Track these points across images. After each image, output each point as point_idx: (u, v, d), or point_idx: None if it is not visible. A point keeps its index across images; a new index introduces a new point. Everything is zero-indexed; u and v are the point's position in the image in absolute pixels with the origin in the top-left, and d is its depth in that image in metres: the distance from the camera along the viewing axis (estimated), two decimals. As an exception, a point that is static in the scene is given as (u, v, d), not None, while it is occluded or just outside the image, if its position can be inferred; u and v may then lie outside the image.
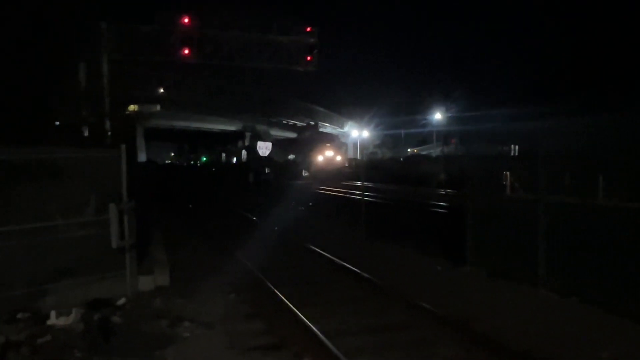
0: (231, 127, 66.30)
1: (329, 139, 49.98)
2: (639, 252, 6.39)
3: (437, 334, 6.31)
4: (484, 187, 9.33)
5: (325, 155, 45.08)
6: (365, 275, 9.11)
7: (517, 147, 9.36)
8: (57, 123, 17.56)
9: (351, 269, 9.71)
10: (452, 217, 12.94)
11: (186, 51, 24.64)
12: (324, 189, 29.98)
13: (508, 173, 9.24)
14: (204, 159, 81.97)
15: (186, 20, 24.53)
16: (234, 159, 60.96)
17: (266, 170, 47.50)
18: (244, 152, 59.49)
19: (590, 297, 7.01)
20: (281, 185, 34.38)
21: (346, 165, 48.84)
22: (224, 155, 68.96)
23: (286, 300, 7.57)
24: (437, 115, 48.88)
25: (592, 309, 6.87)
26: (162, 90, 52.82)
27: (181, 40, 24.75)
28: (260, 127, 63.60)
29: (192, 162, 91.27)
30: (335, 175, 38.87)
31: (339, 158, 44.67)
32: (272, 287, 8.31)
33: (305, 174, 44.14)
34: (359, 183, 26.71)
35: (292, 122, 66.75)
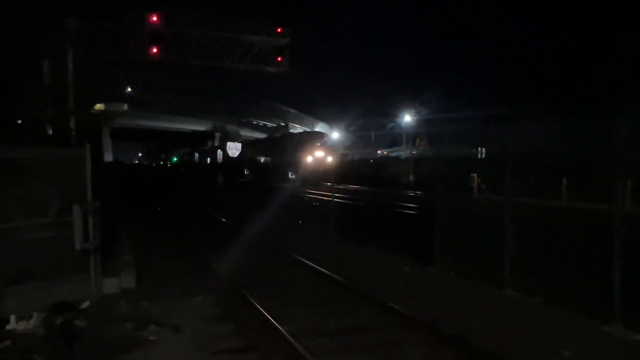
0: (200, 127, 65.75)
1: (318, 137, 44.74)
2: (598, 253, 6.56)
3: (405, 335, 6.36)
4: (452, 189, 9.46)
5: (315, 156, 40.40)
6: (335, 276, 9.13)
7: (483, 149, 9.54)
8: (20, 121, 17.07)
9: (320, 270, 9.71)
10: (421, 218, 13.09)
11: (154, 50, 24.21)
12: (309, 192, 28.25)
13: (475, 175, 9.40)
14: (175, 159, 79.98)
15: (155, 18, 24.11)
16: (208, 159, 58.23)
17: (245, 172, 45.28)
18: (219, 152, 56.91)
19: (554, 296, 7.17)
20: (261, 188, 32.58)
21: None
22: (197, 155, 65.68)
23: (255, 303, 7.52)
24: (407, 117, 49.33)
25: (556, 309, 7.04)
26: (129, 89, 51.99)
27: (149, 39, 24.30)
28: (231, 128, 63.24)
29: (161, 163, 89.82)
30: (324, 178, 35.80)
31: (330, 159, 39.96)
32: (241, 289, 8.25)
33: (291, 176, 40.73)
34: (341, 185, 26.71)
35: (262, 122, 66.55)
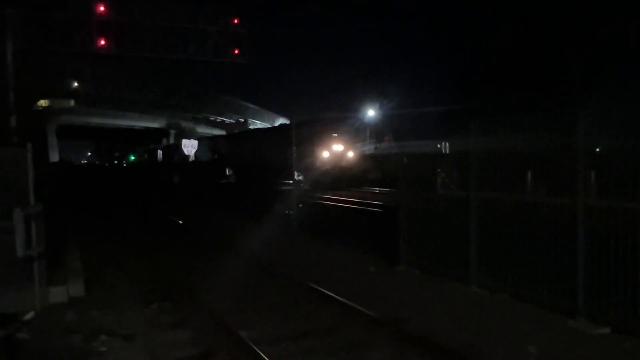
0: (154, 124, 64.69)
1: (334, 125, 33.00)
2: (561, 247, 6.75)
3: (369, 336, 6.41)
4: (416, 185, 9.58)
5: (333, 151, 31.11)
6: (297, 277, 9.12)
7: (447, 144, 9.69)
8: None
9: (282, 271, 9.68)
10: (386, 216, 13.21)
11: (102, 42, 23.66)
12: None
13: (440, 170, 9.54)
14: (132, 158, 77.36)
15: (102, 8, 23.56)
16: (175, 157, 53.95)
17: (227, 172, 39.82)
18: (188, 149, 49.92)
19: (520, 293, 7.35)
20: (250, 192, 26.18)
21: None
22: (160, 153, 61.04)
23: (213, 308, 7.44)
24: (371, 112, 49.61)
25: (522, 305, 7.21)
26: (76, 84, 50.64)
27: (97, 30, 23.74)
28: (186, 124, 62.41)
29: (115, 162, 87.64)
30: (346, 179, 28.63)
31: (351, 154, 30.79)
32: (199, 294, 8.15)
33: (298, 177, 29.91)
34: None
35: (220, 118, 65.94)
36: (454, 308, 7.35)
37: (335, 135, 32.08)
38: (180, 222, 18.29)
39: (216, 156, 46.19)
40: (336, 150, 31.32)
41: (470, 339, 6.16)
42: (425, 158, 9.75)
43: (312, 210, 17.30)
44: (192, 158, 50.58)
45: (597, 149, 7.05)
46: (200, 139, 59.08)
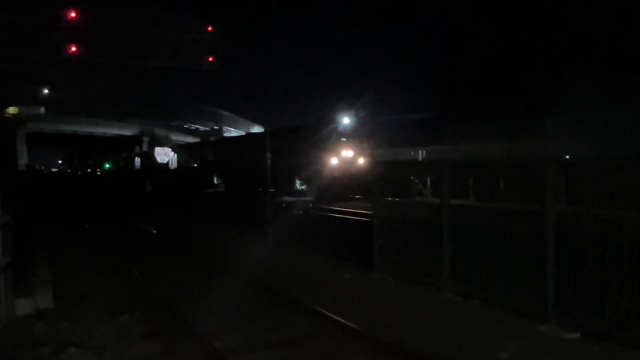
0: (127, 132, 63.87)
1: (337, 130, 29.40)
2: (532, 254, 6.87)
3: (343, 345, 6.41)
4: (390, 193, 9.65)
5: (342, 157, 28.08)
6: (271, 286, 9.08)
7: (424, 151, 9.82)
8: None
9: (257, 280, 9.63)
10: (362, 224, 13.24)
11: (73, 48, 23.30)
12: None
13: (414, 178, 9.65)
14: (107, 165, 75.14)
15: (73, 14, 23.22)
16: (148, 166, 51.71)
17: (215, 181, 37.67)
18: (162, 156, 47.27)
19: (493, 299, 7.45)
20: (242, 203, 22.91)
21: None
22: (137, 160, 58.44)
23: (186, 318, 7.36)
24: (345, 120, 49.62)
25: (494, 311, 7.31)
26: (47, 91, 49.73)
27: (68, 37, 23.39)
28: (160, 132, 61.74)
29: (88, 170, 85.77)
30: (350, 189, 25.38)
31: (361, 160, 26.77)
32: (171, 304, 8.05)
33: (300, 186, 29.40)
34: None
35: (194, 126, 65.44)
36: (427, 315, 7.40)
37: (344, 139, 29.04)
38: (154, 231, 18.08)
39: (196, 164, 44.92)
40: (345, 157, 28.15)
41: (442, 345, 6.21)
42: (399, 165, 9.86)
43: (294, 219, 17.25)
44: (173, 166, 49.69)
45: (567, 157, 7.22)
46: (181, 146, 58.39)
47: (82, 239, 16.37)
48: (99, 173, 77.05)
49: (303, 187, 29.85)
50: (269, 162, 14.58)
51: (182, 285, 9.73)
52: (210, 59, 25.98)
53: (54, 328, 7.24)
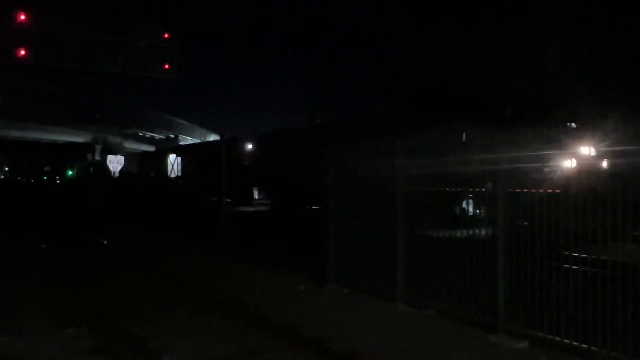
0: (79, 139, 62.30)
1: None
2: (483, 264, 7.01)
3: (294, 357, 6.37)
4: (344, 202, 9.67)
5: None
6: (222, 298, 8.96)
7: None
8: None
9: (208, 292, 9.49)
10: (316, 234, 13.24)
11: (22, 52, 22.66)
12: None
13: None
14: (70, 173, 70.30)
15: (23, 17, 22.60)
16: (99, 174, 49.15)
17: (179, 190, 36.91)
18: (114, 164, 44.53)
19: (445, 310, 7.54)
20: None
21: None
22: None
23: (133, 331, 7.18)
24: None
25: (447, 321, 7.39)
26: (-8, 96, 48.01)
27: (16, 40, 22.72)
28: (113, 139, 60.43)
29: (45, 178, 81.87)
30: None
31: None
32: (118, 318, 7.84)
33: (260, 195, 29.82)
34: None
35: (149, 134, 64.43)
36: (380, 326, 7.43)
37: None
38: (105, 242, 17.62)
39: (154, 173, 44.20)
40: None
41: (395, 356, 6.25)
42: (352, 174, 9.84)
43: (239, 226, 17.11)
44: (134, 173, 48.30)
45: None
46: (143, 154, 56.80)
47: (27, 250, 15.78)
48: (57, 181, 73.61)
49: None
50: (224, 172, 14.46)
51: (131, 297, 9.48)
52: (166, 66, 25.75)
53: (-7, 343, 6.93)
